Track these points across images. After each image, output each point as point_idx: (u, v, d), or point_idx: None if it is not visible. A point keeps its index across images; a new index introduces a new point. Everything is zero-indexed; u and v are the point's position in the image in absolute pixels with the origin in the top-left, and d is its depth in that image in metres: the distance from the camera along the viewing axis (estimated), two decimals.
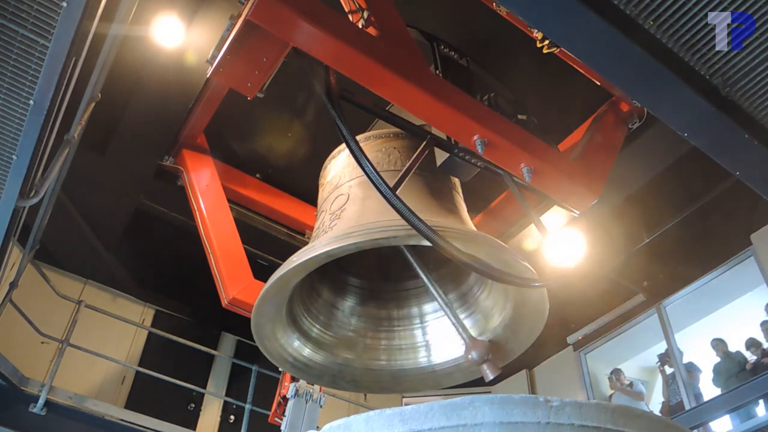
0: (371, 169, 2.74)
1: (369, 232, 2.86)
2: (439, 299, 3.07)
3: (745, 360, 7.77)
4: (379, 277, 3.78)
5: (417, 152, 3.28)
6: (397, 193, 2.72)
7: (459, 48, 3.92)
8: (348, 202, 3.31)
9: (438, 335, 3.61)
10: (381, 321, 3.67)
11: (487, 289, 3.43)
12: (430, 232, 2.61)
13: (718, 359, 8.07)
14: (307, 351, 3.43)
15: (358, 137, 3.62)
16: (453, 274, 3.61)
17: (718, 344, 8.12)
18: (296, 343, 3.38)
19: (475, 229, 3.45)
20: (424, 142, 3.37)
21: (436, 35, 3.89)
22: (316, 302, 3.52)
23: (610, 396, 8.84)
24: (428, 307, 3.68)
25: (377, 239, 2.83)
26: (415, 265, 3.17)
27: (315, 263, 2.93)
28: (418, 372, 3.57)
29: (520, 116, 3.54)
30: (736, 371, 7.62)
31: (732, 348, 8.07)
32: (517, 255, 3.00)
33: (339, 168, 3.62)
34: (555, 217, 4.92)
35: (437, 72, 3.61)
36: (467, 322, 3.47)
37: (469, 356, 2.78)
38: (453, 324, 2.94)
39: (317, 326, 3.48)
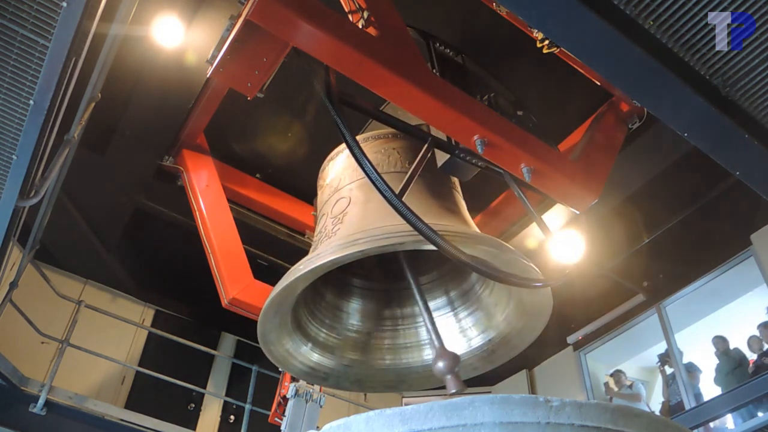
0: (375, 173, 2.70)
1: (374, 238, 2.83)
2: (420, 305, 2.98)
3: (743, 357, 7.79)
4: (380, 277, 3.77)
5: (420, 155, 3.25)
6: (402, 198, 2.71)
7: (455, 45, 3.92)
8: (350, 205, 3.28)
9: (442, 332, 3.60)
10: (385, 320, 3.65)
11: (489, 286, 3.42)
12: (435, 236, 2.58)
13: (719, 359, 8.07)
14: (315, 356, 3.41)
15: (356, 138, 3.62)
16: (455, 272, 3.60)
17: (719, 341, 8.12)
18: (303, 348, 3.36)
19: (476, 229, 3.45)
20: (426, 145, 3.35)
21: (431, 33, 3.88)
22: (320, 306, 3.49)
23: (611, 397, 8.85)
24: (431, 305, 3.67)
25: (383, 246, 2.80)
26: (406, 269, 3.14)
27: (321, 271, 2.91)
28: (422, 369, 3.55)
29: (518, 112, 3.54)
30: (733, 368, 7.64)
31: (732, 347, 8.08)
32: (520, 254, 2.99)
33: (339, 170, 3.58)
34: (555, 217, 4.93)
35: (434, 71, 3.61)
36: (469, 320, 3.48)
37: (436, 366, 2.67)
38: (428, 330, 2.86)
39: (324, 330, 3.46)
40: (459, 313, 3.55)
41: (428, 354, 3.56)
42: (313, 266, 2.82)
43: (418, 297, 2.99)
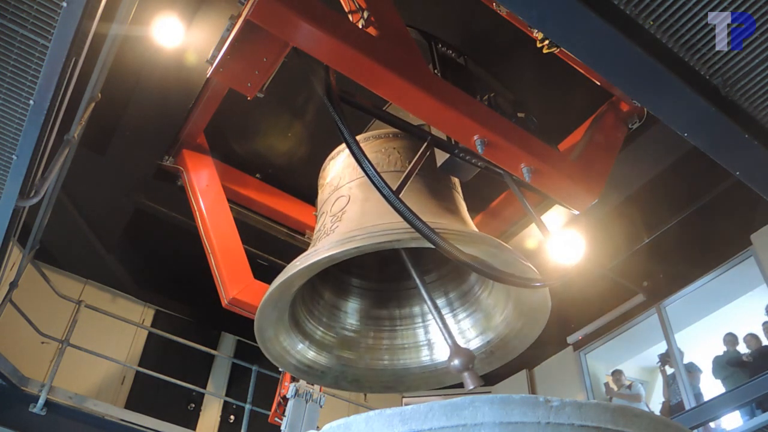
0: (373, 171, 2.71)
1: (371, 235, 2.83)
2: (428, 303, 2.96)
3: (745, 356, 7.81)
4: (379, 277, 3.77)
5: (419, 154, 3.26)
6: (399, 196, 2.71)
7: (457, 47, 3.92)
8: (349, 203, 3.29)
9: (439, 333, 3.59)
10: (383, 320, 3.66)
11: (488, 288, 3.42)
12: (432, 234, 2.58)
13: (719, 352, 8.08)
14: (311, 354, 3.42)
15: (357, 138, 3.63)
16: (455, 273, 3.61)
17: (731, 339, 8.11)
18: (300, 346, 3.37)
19: (475, 228, 3.45)
20: (425, 144, 3.35)
21: (433, 34, 3.89)
22: (318, 304, 3.50)
23: (611, 397, 8.86)
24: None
25: (380, 243, 2.80)
26: (410, 267, 3.12)
27: (318, 267, 2.91)
28: (420, 371, 3.55)
29: (519, 114, 3.53)
30: (738, 368, 7.66)
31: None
32: (519, 255, 2.99)
33: (339, 169, 3.59)
34: (555, 217, 4.92)
35: (435, 71, 3.61)
36: (469, 321, 3.48)
37: (452, 363, 2.65)
38: (440, 329, 2.83)
39: (320, 328, 3.47)
40: (458, 315, 3.55)
41: (426, 355, 3.57)
42: (310, 262, 2.83)
43: (426, 296, 2.95)
